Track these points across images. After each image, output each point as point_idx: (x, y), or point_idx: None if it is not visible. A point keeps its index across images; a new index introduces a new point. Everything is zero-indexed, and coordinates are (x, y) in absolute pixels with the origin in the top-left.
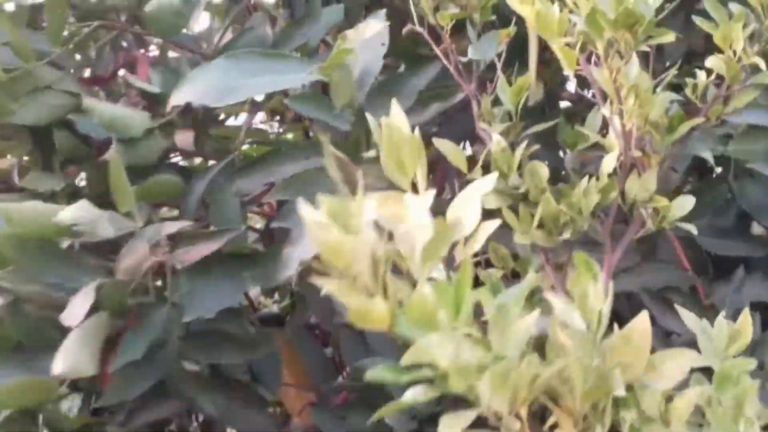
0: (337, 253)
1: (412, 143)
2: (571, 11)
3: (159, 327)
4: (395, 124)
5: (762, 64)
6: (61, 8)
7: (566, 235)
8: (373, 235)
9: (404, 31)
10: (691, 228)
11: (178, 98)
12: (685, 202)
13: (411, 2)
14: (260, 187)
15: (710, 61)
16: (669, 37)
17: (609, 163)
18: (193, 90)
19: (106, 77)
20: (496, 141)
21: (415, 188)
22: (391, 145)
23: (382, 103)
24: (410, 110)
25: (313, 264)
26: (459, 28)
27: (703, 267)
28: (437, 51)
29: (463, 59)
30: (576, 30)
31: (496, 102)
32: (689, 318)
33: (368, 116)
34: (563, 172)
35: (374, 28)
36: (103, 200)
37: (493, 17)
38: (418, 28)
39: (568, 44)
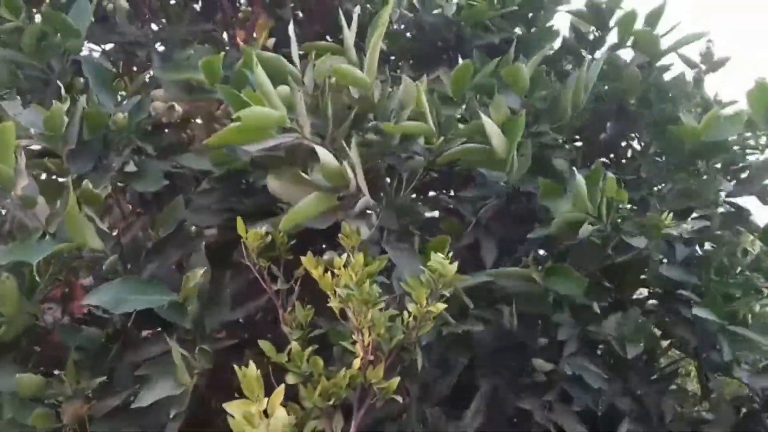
0: None
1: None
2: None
3: None
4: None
5: (434, 311)
6: None
7: (333, 400)
8: None
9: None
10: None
11: (91, 299)
12: (393, 383)
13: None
14: None
15: (411, 307)
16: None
17: (356, 363)
18: (101, 297)
19: None
20: (294, 347)
21: None
22: None
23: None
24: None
25: None
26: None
27: None
28: (260, 278)
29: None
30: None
31: None
32: None
33: None
34: None
35: None
36: None
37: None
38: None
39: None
